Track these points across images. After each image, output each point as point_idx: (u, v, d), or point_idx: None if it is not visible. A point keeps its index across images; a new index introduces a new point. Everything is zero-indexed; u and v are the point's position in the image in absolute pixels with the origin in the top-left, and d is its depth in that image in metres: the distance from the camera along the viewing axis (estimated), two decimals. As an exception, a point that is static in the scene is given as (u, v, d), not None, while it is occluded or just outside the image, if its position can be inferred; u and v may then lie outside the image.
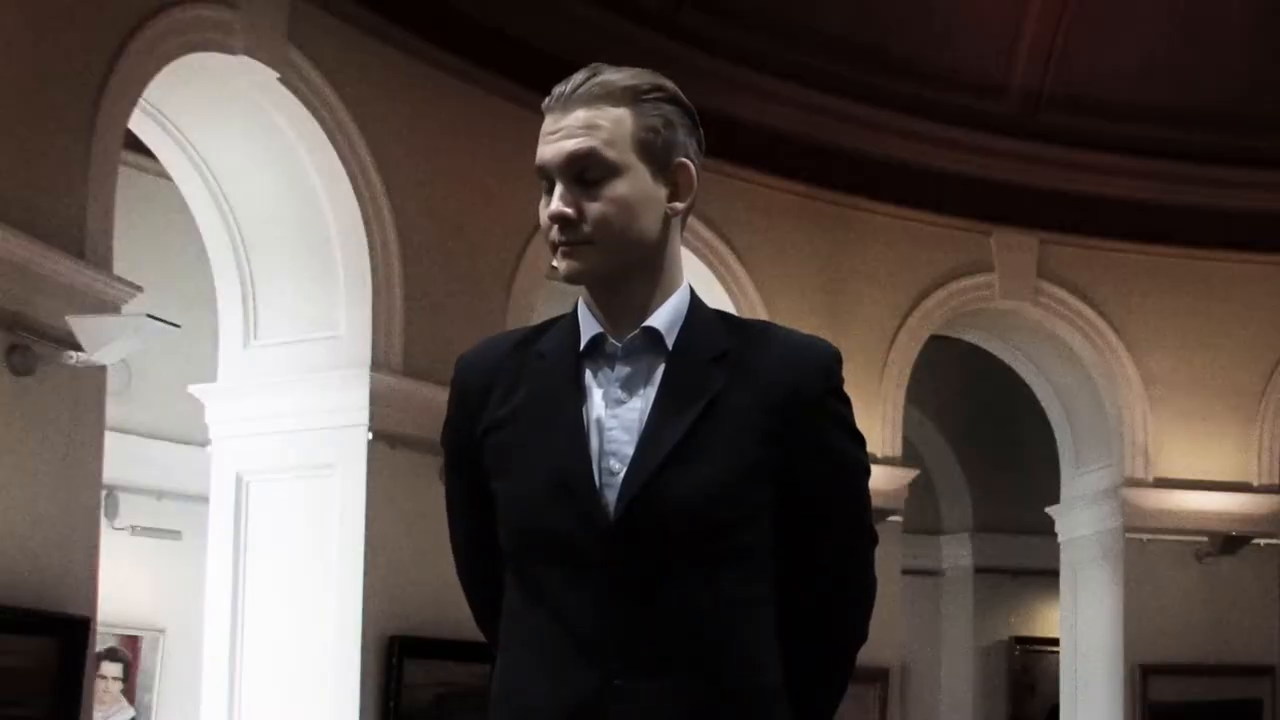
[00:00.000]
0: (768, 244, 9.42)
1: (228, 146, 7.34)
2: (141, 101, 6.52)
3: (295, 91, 7.12)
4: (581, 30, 8.22)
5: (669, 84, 2.20)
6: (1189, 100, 10.29)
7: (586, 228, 2.13)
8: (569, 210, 2.13)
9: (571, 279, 2.17)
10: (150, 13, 6.33)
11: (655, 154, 2.15)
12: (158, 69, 6.46)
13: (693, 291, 2.24)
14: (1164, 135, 10.28)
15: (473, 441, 2.22)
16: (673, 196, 2.18)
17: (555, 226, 2.14)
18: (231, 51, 6.80)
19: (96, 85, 6.07)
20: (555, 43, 8.06)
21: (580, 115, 2.13)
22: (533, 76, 7.90)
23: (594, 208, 2.13)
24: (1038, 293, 10.33)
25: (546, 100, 2.18)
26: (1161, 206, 10.37)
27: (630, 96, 2.15)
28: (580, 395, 2.16)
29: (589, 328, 2.19)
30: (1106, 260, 10.44)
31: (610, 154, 2.12)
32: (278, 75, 7.02)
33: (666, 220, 2.18)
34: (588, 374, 2.17)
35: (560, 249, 2.15)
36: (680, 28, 8.88)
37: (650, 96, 2.16)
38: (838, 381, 2.22)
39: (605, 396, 2.16)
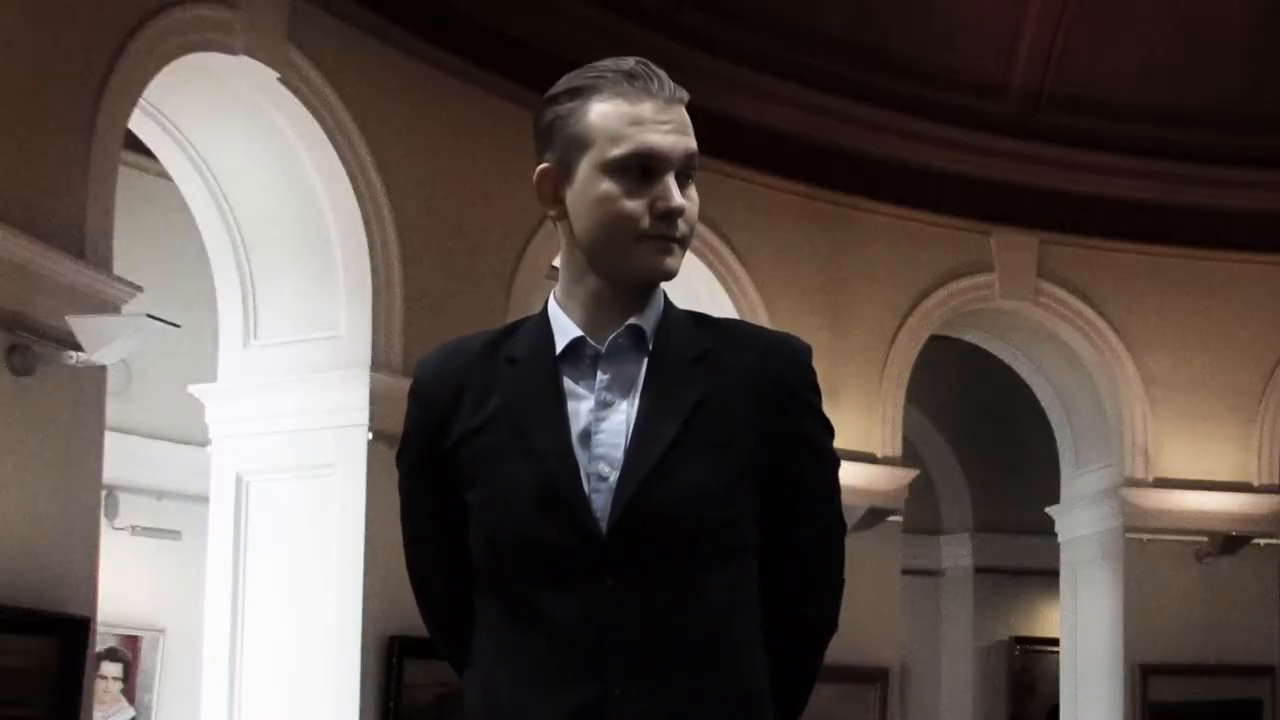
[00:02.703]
0: (768, 244, 9.43)
1: (228, 146, 7.34)
2: (141, 101, 6.52)
3: (295, 91, 7.12)
4: (581, 30, 8.22)
5: None
6: (1189, 100, 10.29)
7: (684, 226, 2.13)
8: (685, 203, 2.12)
9: (666, 275, 2.14)
10: (150, 13, 6.33)
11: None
12: (158, 69, 6.46)
13: (665, 294, 2.23)
14: (1164, 135, 10.28)
15: (441, 452, 2.17)
16: None
17: (663, 219, 2.10)
18: (231, 51, 6.80)
19: (96, 85, 6.07)
20: (555, 43, 8.05)
21: (683, 114, 2.14)
22: (533, 76, 7.90)
23: (690, 208, 2.13)
24: (1038, 293, 10.33)
25: (640, 81, 2.12)
26: (1161, 206, 10.37)
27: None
28: (562, 401, 2.12)
29: (565, 331, 2.15)
30: (1106, 260, 10.44)
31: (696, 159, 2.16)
32: (278, 75, 7.02)
33: None
34: (567, 379, 2.13)
35: (661, 242, 2.12)
36: (680, 28, 8.88)
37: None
38: (813, 376, 2.23)
39: (590, 400, 2.13)
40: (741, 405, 2.14)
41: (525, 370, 2.15)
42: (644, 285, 2.15)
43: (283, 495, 7.45)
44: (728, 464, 2.11)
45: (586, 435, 2.11)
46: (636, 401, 2.12)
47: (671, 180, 2.10)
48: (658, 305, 2.18)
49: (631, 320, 2.14)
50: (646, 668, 2.07)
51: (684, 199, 2.12)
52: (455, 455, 2.15)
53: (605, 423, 2.11)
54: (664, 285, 2.22)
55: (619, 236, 2.11)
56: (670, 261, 2.12)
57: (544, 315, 2.19)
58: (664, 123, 2.10)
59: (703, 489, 2.09)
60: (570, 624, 2.07)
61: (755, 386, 2.15)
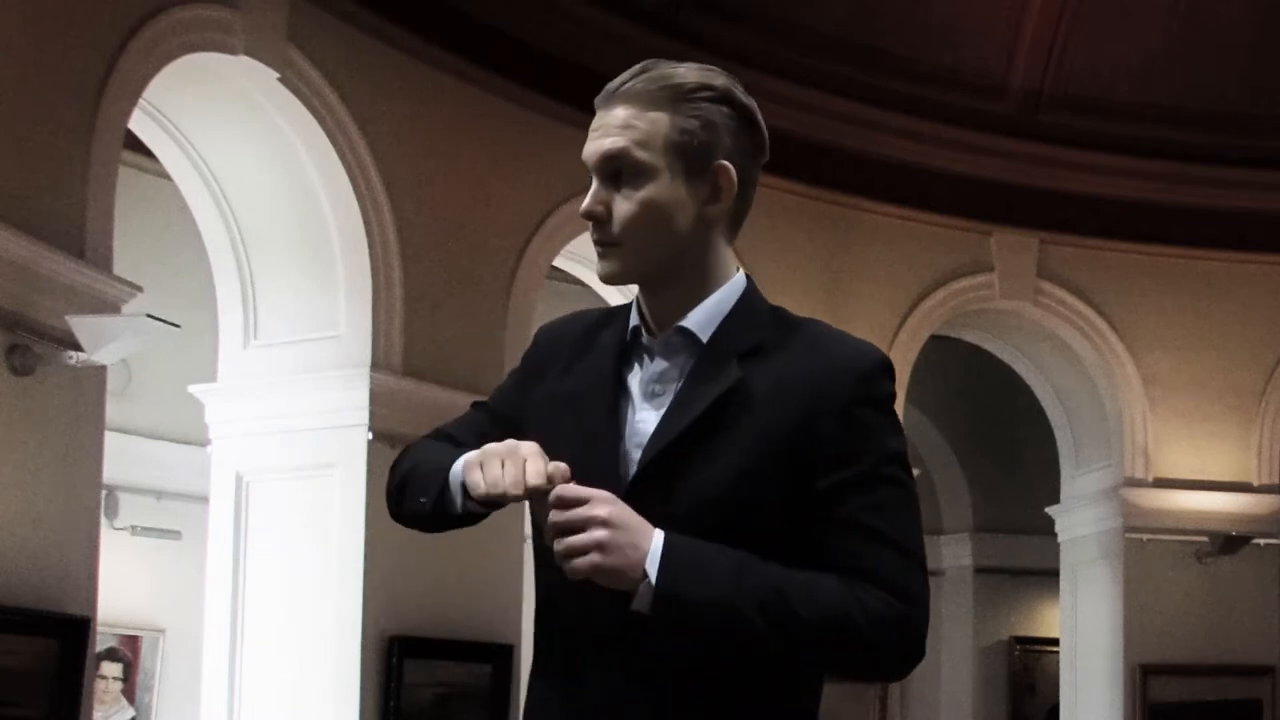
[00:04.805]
0: (768, 244, 9.42)
1: (228, 146, 7.34)
2: (141, 101, 6.52)
3: (295, 91, 7.12)
4: (581, 30, 8.22)
5: (721, 82, 2.16)
6: (1189, 100, 10.29)
7: (615, 228, 2.13)
8: (595, 208, 2.14)
9: (604, 279, 2.19)
10: (150, 13, 6.33)
11: (690, 156, 2.12)
12: (158, 69, 6.46)
13: (750, 287, 2.20)
14: (1164, 135, 10.29)
15: (523, 402, 2.24)
16: (712, 199, 2.15)
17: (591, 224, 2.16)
18: (231, 51, 6.79)
19: (96, 85, 6.07)
20: (555, 43, 8.06)
21: (620, 114, 2.12)
22: (533, 76, 7.93)
23: (622, 208, 2.12)
24: (1038, 293, 10.34)
25: (599, 95, 2.18)
26: (1161, 206, 10.37)
27: (671, 96, 2.12)
28: (618, 389, 2.16)
29: (635, 320, 2.20)
30: (1106, 260, 10.44)
31: (641, 155, 2.11)
32: (278, 75, 7.02)
33: (705, 223, 2.15)
34: (635, 367, 2.17)
35: (596, 248, 2.17)
36: (680, 28, 8.88)
37: (695, 96, 2.13)
38: (876, 390, 2.11)
39: (641, 391, 2.16)
40: (774, 404, 2.08)
41: (601, 354, 2.19)
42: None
43: (283, 495, 7.45)
44: (738, 463, 2.06)
45: (632, 423, 2.14)
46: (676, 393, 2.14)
47: (593, 186, 2.15)
48: (721, 301, 2.16)
49: (681, 323, 2.15)
50: (654, 664, 2.05)
51: (598, 200, 2.13)
52: (531, 412, 2.20)
53: (648, 413, 2.13)
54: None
55: None
56: (600, 266, 2.18)
57: (636, 300, 2.22)
58: (595, 129, 2.15)
59: (706, 483, 2.06)
60: (592, 610, 2.07)
61: (793, 387, 2.09)
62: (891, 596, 2.06)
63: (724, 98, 2.15)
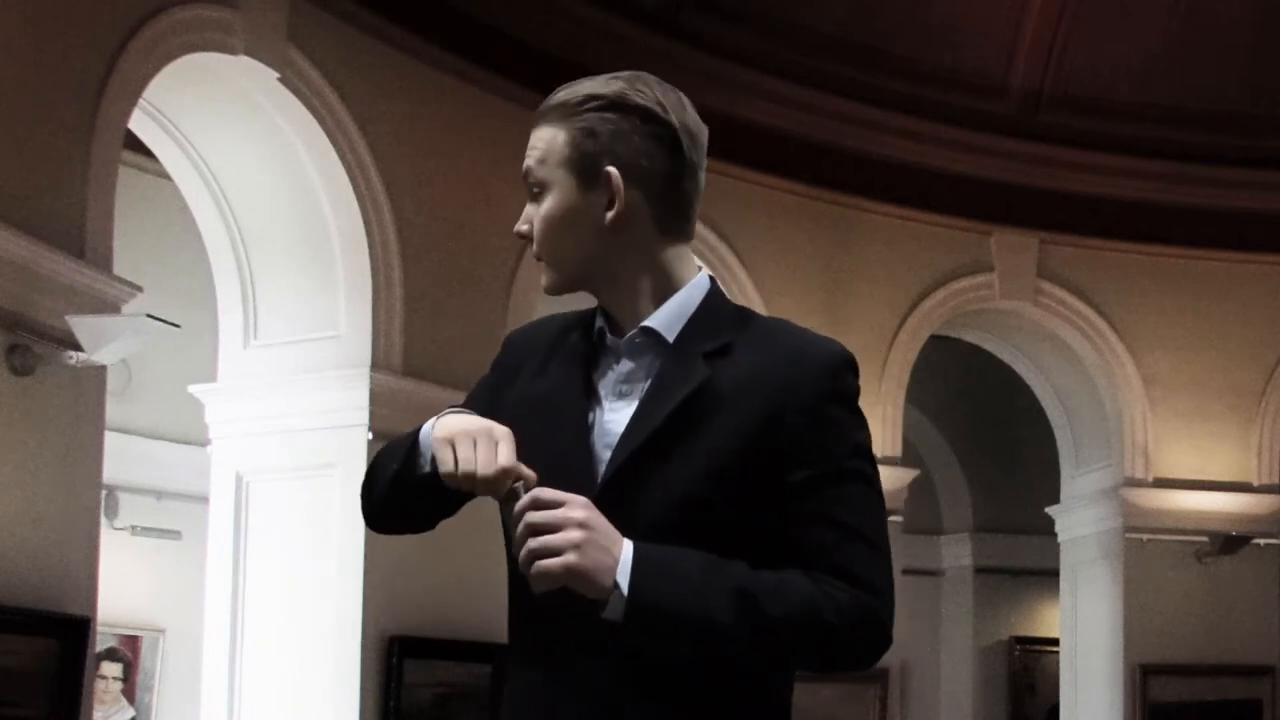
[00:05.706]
0: (768, 244, 9.43)
1: (228, 146, 7.34)
2: (141, 101, 6.52)
3: (295, 91, 7.12)
4: (581, 30, 8.22)
5: (613, 89, 2.16)
6: (1189, 100, 10.29)
7: (534, 244, 2.22)
8: (521, 226, 2.23)
9: (544, 290, 2.26)
10: (150, 13, 6.33)
11: (581, 167, 2.15)
12: (158, 69, 6.46)
13: (713, 288, 2.22)
14: (1164, 135, 10.29)
15: (496, 406, 2.23)
16: (610, 205, 2.15)
17: None
18: (231, 51, 6.80)
19: (96, 85, 6.07)
20: (555, 43, 8.06)
21: (534, 134, 2.21)
22: (533, 76, 7.92)
23: (536, 224, 2.21)
24: (1038, 293, 10.34)
25: None
26: (1161, 206, 10.38)
27: (563, 113, 2.18)
28: (587, 390, 2.17)
29: (600, 324, 2.22)
30: (1106, 260, 10.45)
31: (540, 172, 2.18)
32: (278, 75, 7.02)
33: (615, 228, 2.15)
34: (602, 368, 2.19)
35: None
36: (680, 28, 8.88)
37: (582, 108, 2.16)
38: (842, 385, 2.14)
39: (609, 392, 2.17)
40: (742, 401, 2.09)
41: (570, 356, 2.21)
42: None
43: (283, 495, 7.45)
44: (709, 460, 2.07)
45: (600, 424, 2.15)
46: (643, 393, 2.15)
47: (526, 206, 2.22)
48: (684, 303, 2.18)
49: (644, 323, 2.17)
50: (630, 668, 2.06)
51: (523, 219, 2.21)
52: (503, 414, 2.17)
53: (617, 413, 2.15)
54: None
55: None
56: (541, 277, 2.25)
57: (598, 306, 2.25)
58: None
59: (678, 481, 2.07)
60: (566, 614, 2.06)
61: (761, 385, 2.10)
62: (860, 590, 2.07)
63: (611, 104, 2.15)
